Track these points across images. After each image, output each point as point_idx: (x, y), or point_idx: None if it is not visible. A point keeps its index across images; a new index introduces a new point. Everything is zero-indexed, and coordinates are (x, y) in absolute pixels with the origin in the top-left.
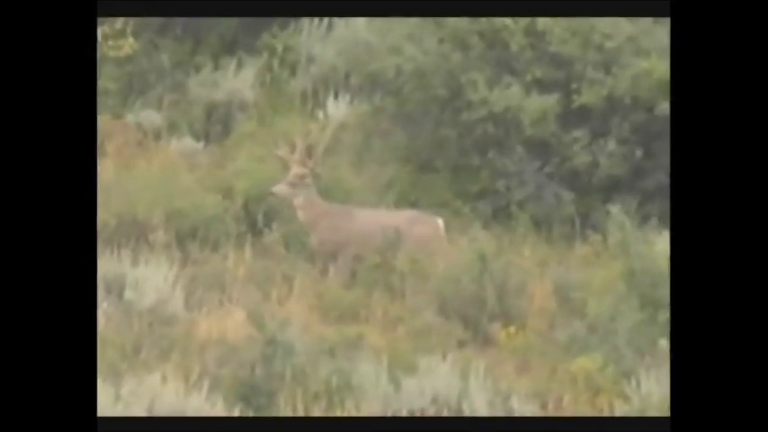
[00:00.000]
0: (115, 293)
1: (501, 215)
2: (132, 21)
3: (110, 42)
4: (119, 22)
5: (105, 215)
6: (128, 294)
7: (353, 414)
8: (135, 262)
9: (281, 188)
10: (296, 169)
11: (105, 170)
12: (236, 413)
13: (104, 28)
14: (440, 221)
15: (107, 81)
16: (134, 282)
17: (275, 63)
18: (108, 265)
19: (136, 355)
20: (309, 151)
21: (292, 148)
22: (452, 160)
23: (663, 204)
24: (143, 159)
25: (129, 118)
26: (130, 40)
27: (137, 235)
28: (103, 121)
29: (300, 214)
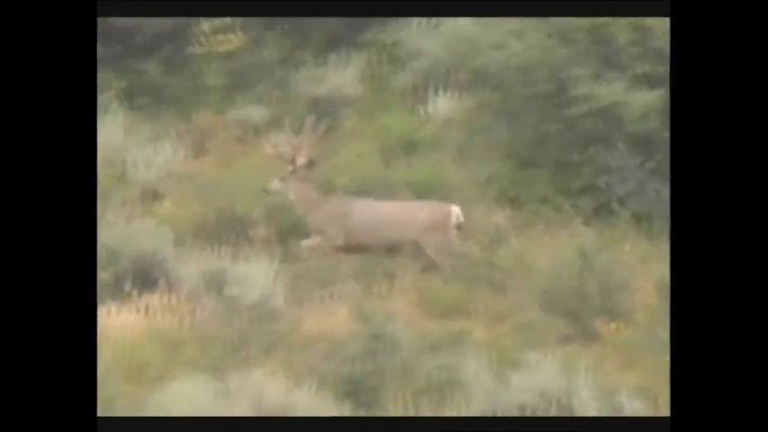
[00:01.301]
0: (215, 289)
1: (602, 211)
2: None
3: (218, 37)
4: (222, 18)
5: (206, 211)
6: (229, 290)
7: (462, 410)
8: (235, 258)
9: (274, 185)
10: (288, 165)
11: (207, 166)
12: (342, 409)
13: (211, 23)
14: (453, 208)
15: (211, 77)
16: (235, 278)
17: (379, 59)
18: (208, 261)
19: (240, 350)
20: (301, 146)
21: (284, 145)
22: (554, 156)
23: None
24: (244, 156)
25: (232, 114)
26: (236, 35)
27: (237, 231)
28: (205, 117)
29: (297, 208)
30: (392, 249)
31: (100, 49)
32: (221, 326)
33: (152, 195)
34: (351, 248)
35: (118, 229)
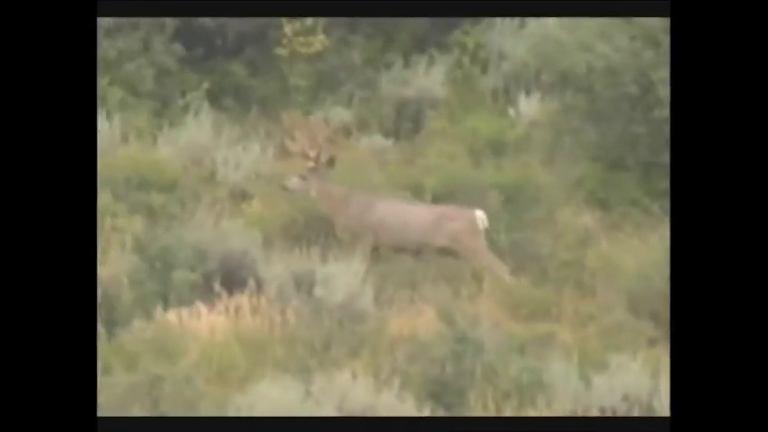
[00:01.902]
0: (305, 290)
1: None
2: (323, 18)
3: (300, 39)
4: (309, 19)
5: (294, 211)
6: (317, 291)
7: (544, 412)
8: (324, 259)
9: (293, 182)
10: (306, 162)
11: (295, 166)
12: (426, 411)
13: (295, 25)
14: (478, 213)
15: (297, 78)
16: (324, 278)
17: (466, 60)
18: (297, 262)
19: (326, 351)
20: (317, 143)
21: (303, 141)
22: (643, 158)
23: None
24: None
25: (319, 115)
26: (321, 37)
27: (325, 231)
28: (293, 117)
29: (321, 206)
30: (417, 253)
31: (182, 51)
32: (308, 327)
33: (240, 195)
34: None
35: (206, 230)
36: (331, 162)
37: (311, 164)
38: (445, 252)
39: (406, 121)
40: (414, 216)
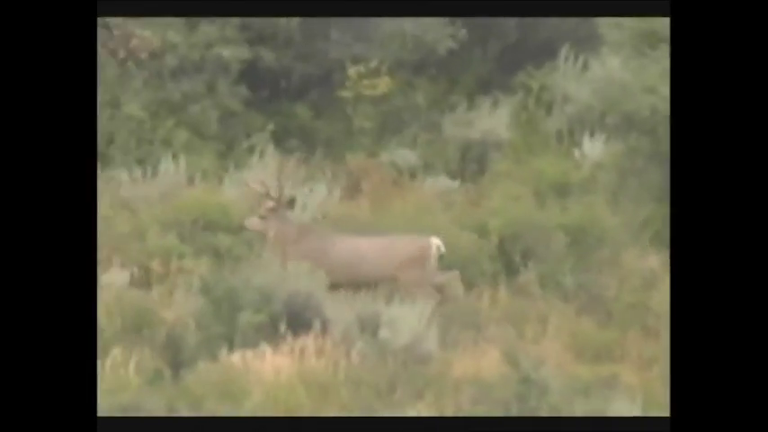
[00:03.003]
0: (369, 332)
1: None
2: (387, 60)
3: (365, 81)
4: (374, 62)
5: None
6: (382, 333)
7: None
8: (389, 301)
9: (252, 222)
10: (265, 202)
11: (361, 208)
12: None
13: (359, 67)
14: (433, 240)
15: (362, 120)
16: (388, 320)
17: (531, 102)
18: (362, 303)
19: (390, 393)
20: (280, 183)
21: (263, 182)
22: None
23: None
24: (398, 198)
25: (384, 156)
26: (386, 79)
27: None
28: (359, 159)
29: (273, 246)
30: (371, 286)
31: (247, 93)
32: (373, 369)
33: None
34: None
35: (272, 271)
36: (291, 203)
37: (271, 204)
38: (396, 283)
39: (471, 163)
40: (368, 248)
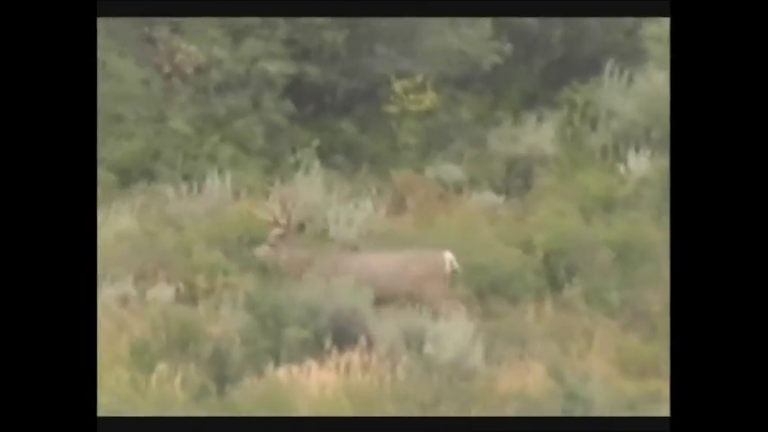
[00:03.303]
0: (414, 347)
1: None
2: (432, 76)
3: (410, 97)
4: (419, 77)
5: None
6: (427, 348)
7: None
8: (434, 316)
9: (263, 250)
10: (274, 230)
11: (406, 224)
12: None
13: (404, 82)
14: (446, 256)
15: (407, 135)
16: (434, 336)
17: (576, 117)
18: (407, 319)
19: (435, 408)
20: (288, 210)
21: (270, 209)
22: None
23: None
24: (443, 213)
25: (429, 172)
26: (431, 94)
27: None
28: (404, 175)
29: (286, 271)
30: (388, 301)
31: (292, 108)
32: (418, 384)
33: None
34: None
35: (318, 287)
36: (300, 228)
37: (279, 231)
38: (411, 298)
39: (516, 178)
40: (381, 266)
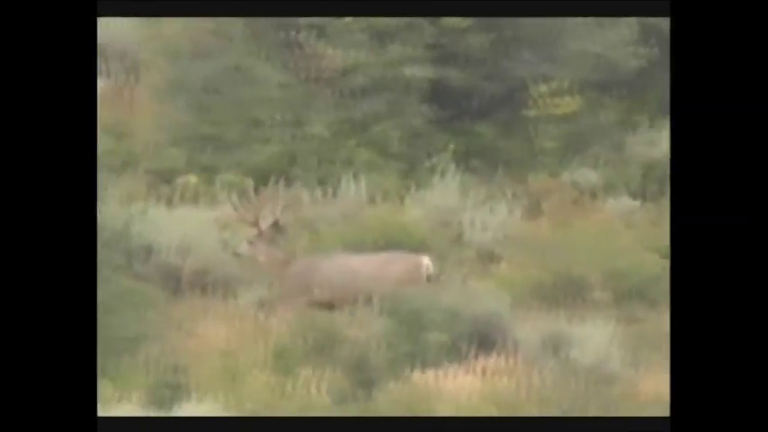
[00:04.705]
0: (555, 352)
1: None
2: (573, 79)
3: (551, 100)
4: (561, 81)
5: (543, 273)
6: (568, 352)
7: None
8: (572, 320)
9: (242, 247)
10: (252, 229)
11: (542, 229)
12: None
13: (544, 86)
14: (423, 259)
15: (545, 139)
16: (574, 340)
17: None
18: (546, 323)
19: (576, 412)
20: (263, 210)
21: (245, 208)
22: None
23: None
24: (579, 218)
25: (566, 176)
26: (574, 98)
27: (573, 293)
28: (540, 179)
29: (266, 270)
30: (365, 302)
31: (431, 112)
32: (559, 389)
33: (488, 257)
34: (325, 305)
35: (455, 291)
36: (278, 228)
37: (255, 230)
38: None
39: (653, 183)
40: (359, 267)
